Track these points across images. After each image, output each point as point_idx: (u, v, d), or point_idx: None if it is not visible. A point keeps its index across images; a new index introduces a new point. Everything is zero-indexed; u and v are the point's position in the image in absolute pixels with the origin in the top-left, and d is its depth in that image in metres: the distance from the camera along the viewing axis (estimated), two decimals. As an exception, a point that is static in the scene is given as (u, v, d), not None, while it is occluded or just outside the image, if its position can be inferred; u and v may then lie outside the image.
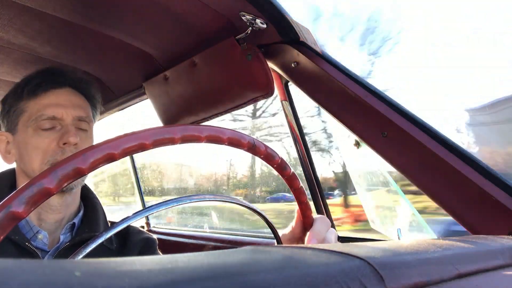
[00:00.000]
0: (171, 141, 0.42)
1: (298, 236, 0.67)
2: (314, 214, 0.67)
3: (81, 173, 0.37)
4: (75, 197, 0.89)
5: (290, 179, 0.58)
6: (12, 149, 0.88)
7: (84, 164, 0.37)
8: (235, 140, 0.48)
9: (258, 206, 0.63)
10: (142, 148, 0.40)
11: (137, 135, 0.40)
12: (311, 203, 1.21)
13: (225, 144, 0.48)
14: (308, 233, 0.64)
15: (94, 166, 0.38)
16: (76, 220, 0.88)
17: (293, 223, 0.67)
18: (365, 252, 0.30)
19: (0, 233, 0.33)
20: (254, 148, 0.51)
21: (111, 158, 0.38)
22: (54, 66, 0.95)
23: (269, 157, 0.54)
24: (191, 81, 1.09)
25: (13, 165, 0.91)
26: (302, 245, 0.57)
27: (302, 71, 0.95)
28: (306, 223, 0.65)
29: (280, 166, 0.56)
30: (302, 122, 1.18)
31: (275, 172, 0.56)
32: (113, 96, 1.42)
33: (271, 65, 0.99)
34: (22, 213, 0.34)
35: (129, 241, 0.92)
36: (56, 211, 0.84)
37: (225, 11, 0.91)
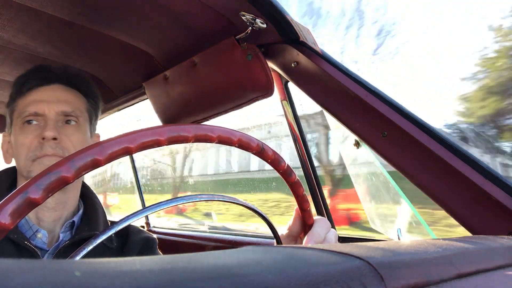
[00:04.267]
0: (185, 139, 0.43)
1: (296, 235, 0.67)
2: (314, 216, 0.66)
3: (98, 164, 0.38)
4: (70, 196, 0.88)
5: (295, 186, 0.59)
6: (10, 148, 0.89)
7: (101, 156, 0.38)
8: (245, 143, 0.49)
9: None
10: (158, 144, 0.41)
11: (153, 131, 0.41)
12: (310, 202, 1.21)
13: (235, 146, 0.49)
14: (306, 236, 0.63)
15: (111, 158, 0.39)
16: (75, 219, 0.88)
17: (290, 222, 0.67)
18: (365, 252, 0.30)
19: (17, 217, 0.34)
20: (262, 152, 0.52)
21: (127, 151, 0.39)
22: (42, 63, 0.94)
23: (276, 162, 0.54)
24: (191, 81, 1.09)
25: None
26: (302, 245, 0.57)
27: (302, 71, 0.95)
28: (307, 231, 0.65)
29: (286, 172, 0.56)
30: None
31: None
32: (113, 96, 1.42)
33: (271, 65, 0.99)
34: (38, 199, 0.35)
35: (129, 240, 0.92)
36: (52, 209, 0.84)
37: (225, 11, 0.91)
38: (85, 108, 0.92)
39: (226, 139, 0.47)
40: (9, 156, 0.90)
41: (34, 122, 0.84)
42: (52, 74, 0.89)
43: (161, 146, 0.42)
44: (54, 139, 0.82)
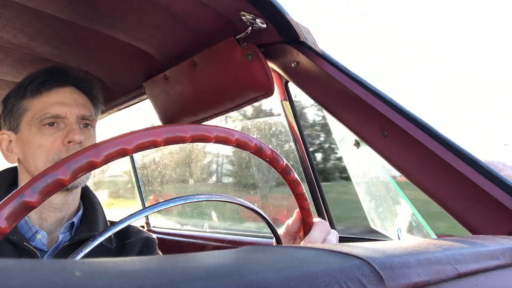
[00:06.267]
0: (182, 140, 0.43)
1: (294, 235, 0.67)
2: (314, 218, 0.66)
3: (94, 166, 0.38)
4: (75, 197, 0.89)
5: (293, 184, 0.58)
6: (14, 147, 0.87)
7: (98, 158, 0.38)
8: (242, 142, 0.49)
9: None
10: (154, 144, 0.41)
11: (150, 132, 0.41)
12: (310, 201, 1.21)
13: (233, 146, 0.49)
14: (303, 241, 0.63)
15: (107, 160, 0.38)
16: (75, 219, 0.88)
17: (289, 222, 0.67)
18: (365, 252, 0.30)
19: (13, 221, 0.34)
20: (260, 151, 0.52)
21: (123, 153, 0.39)
22: (57, 65, 0.95)
23: (274, 161, 0.54)
24: (191, 81, 1.09)
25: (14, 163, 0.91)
26: (302, 245, 0.57)
27: (302, 71, 0.95)
28: (306, 229, 0.65)
29: (284, 171, 0.56)
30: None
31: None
32: (113, 96, 1.42)
33: (271, 65, 0.99)
34: (34, 203, 0.35)
35: (129, 241, 0.92)
36: (58, 210, 0.84)
37: (225, 11, 0.91)
38: (93, 111, 0.94)
39: (223, 138, 0.47)
40: (14, 155, 0.87)
41: (55, 124, 0.84)
42: (67, 76, 0.90)
43: (158, 146, 0.41)
44: (79, 143, 0.83)
